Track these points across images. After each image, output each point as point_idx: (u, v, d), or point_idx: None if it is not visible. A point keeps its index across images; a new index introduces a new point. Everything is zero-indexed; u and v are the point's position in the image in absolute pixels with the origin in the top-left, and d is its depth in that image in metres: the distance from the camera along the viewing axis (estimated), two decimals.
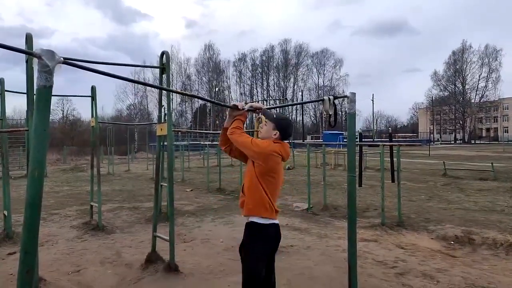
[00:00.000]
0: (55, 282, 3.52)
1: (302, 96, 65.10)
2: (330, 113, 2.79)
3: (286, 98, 62.69)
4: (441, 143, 59.82)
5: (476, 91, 66.58)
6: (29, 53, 1.58)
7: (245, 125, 2.60)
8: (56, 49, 1.58)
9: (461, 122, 67.62)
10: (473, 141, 62.67)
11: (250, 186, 2.35)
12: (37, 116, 1.55)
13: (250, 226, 2.36)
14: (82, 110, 58.51)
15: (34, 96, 3.65)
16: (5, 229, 5.07)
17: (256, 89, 70.30)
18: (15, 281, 3.59)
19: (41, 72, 1.52)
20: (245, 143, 2.34)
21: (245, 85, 70.24)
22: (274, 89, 70.48)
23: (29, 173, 1.57)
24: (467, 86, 66.87)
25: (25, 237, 1.53)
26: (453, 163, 17.05)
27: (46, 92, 1.53)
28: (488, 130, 76.13)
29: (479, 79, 65.70)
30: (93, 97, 5.84)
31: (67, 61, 1.68)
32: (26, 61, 3.60)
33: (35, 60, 1.58)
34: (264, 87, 70.42)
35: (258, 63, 70.08)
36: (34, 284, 1.63)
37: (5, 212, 5.08)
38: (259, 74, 70.55)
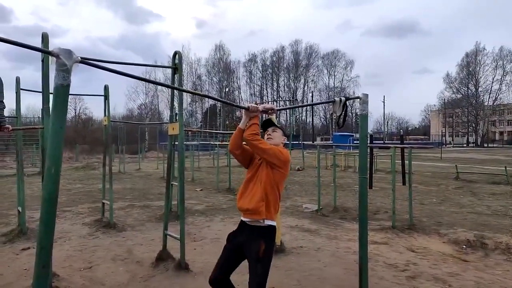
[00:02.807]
0: (68, 278, 3.57)
1: (312, 97, 64.95)
2: (338, 114, 2.81)
3: (297, 99, 62.53)
4: (453, 146, 59.04)
5: (490, 93, 65.49)
6: (47, 52, 1.61)
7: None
8: (70, 48, 1.61)
9: (473, 125, 66.58)
10: (486, 145, 61.69)
11: (270, 192, 2.46)
12: (54, 114, 1.58)
13: (267, 230, 2.44)
14: (94, 109, 59.30)
15: (50, 94, 3.70)
16: (19, 225, 5.16)
17: (266, 89, 70.33)
18: (29, 276, 3.66)
19: (59, 71, 1.55)
20: (269, 151, 2.44)
21: (255, 86, 70.31)
22: (284, 90, 70.40)
23: (45, 169, 1.59)
24: (480, 89, 65.83)
25: (41, 232, 1.55)
26: (466, 166, 16.82)
27: (63, 90, 1.56)
28: (501, 133, 74.89)
29: (492, 82, 64.62)
30: (106, 96, 5.91)
31: (84, 61, 1.71)
32: (42, 60, 3.67)
33: (53, 59, 1.61)
34: (274, 88, 70.40)
35: (268, 63, 70.08)
36: (49, 279, 1.66)
37: (19, 208, 5.17)
38: (269, 75, 70.53)
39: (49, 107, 3.67)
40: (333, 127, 60.86)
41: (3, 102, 4.64)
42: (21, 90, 5.40)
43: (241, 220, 2.55)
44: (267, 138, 2.64)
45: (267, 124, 2.69)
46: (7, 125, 4.67)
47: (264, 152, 2.44)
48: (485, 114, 65.36)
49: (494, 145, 61.73)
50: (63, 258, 4.18)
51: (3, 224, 5.85)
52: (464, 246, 4.70)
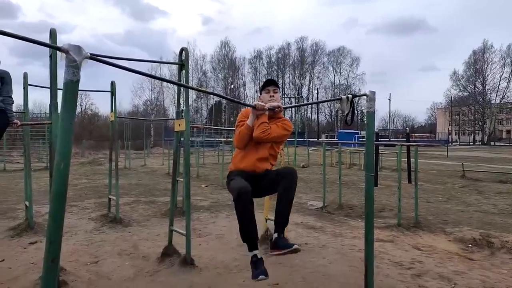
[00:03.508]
0: (75, 272, 3.61)
1: (317, 94, 64.75)
2: (346, 112, 2.81)
3: (302, 96, 62.39)
4: (459, 144, 58.65)
5: (497, 92, 64.79)
6: (57, 48, 1.62)
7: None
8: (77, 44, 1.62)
9: (480, 123, 66.04)
10: (492, 143, 61.18)
11: (276, 153, 2.96)
12: (63, 109, 1.60)
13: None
14: (100, 105, 59.52)
15: (58, 90, 3.72)
16: (27, 219, 5.22)
17: None
18: (36, 269, 3.71)
19: (69, 66, 1.56)
20: (283, 133, 2.85)
21: (260, 83, 69.98)
22: (290, 87, 70.20)
23: (55, 165, 1.61)
24: (487, 87, 65.19)
25: (50, 226, 1.57)
26: (472, 164, 16.71)
27: (73, 86, 1.57)
28: (508, 132, 74.21)
29: (500, 80, 63.96)
30: (112, 92, 5.94)
31: (93, 57, 1.72)
32: (50, 56, 3.69)
33: (62, 55, 1.62)
34: (280, 85, 70.13)
35: (273, 60, 69.87)
36: (58, 273, 1.68)
37: (27, 203, 5.22)
38: (275, 72, 70.28)
39: (57, 102, 3.70)
40: (339, 124, 60.73)
41: (12, 97, 4.68)
42: (28, 86, 5.43)
43: (249, 172, 2.79)
44: (270, 98, 2.87)
45: (269, 83, 2.96)
46: (15, 120, 4.72)
47: (276, 139, 2.81)
48: (492, 112, 64.76)
49: (501, 144, 61.16)
50: (70, 252, 4.22)
51: (10, 218, 5.92)
52: (470, 245, 4.68)
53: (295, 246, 2.50)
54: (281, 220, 2.64)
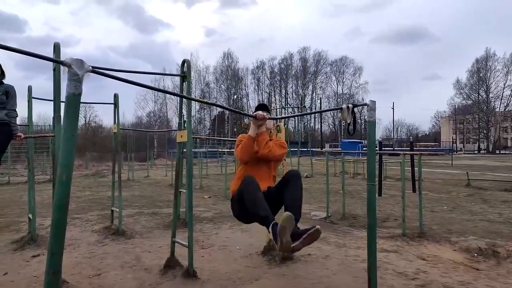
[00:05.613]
0: (77, 285, 3.60)
1: (320, 104, 64.93)
2: (348, 122, 2.83)
3: (305, 106, 62.51)
4: (464, 153, 58.35)
5: (501, 99, 64.90)
6: (59, 62, 1.65)
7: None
8: (81, 57, 1.65)
9: (485, 132, 65.80)
10: (497, 151, 60.84)
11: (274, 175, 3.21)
12: (66, 122, 1.62)
13: None
14: (104, 117, 59.95)
15: (61, 103, 3.76)
16: (30, 232, 5.22)
17: (274, 96, 70.38)
18: (39, 283, 3.70)
19: (71, 80, 1.59)
20: (282, 151, 3.12)
21: (263, 93, 70.46)
22: (293, 96, 70.58)
23: (57, 176, 1.62)
24: (491, 95, 65.20)
25: (52, 238, 1.58)
26: (477, 173, 16.60)
27: (75, 99, 1.60)
28: None
29: (504, 88, 64.02)
30: (115, 104, 5.98)
31: (95, 70, 1.74)
32: (54, 70, 3.74)
33: (64, 69, 1.65)
34: (283, 95, 70.55)
35: (276, 70, 70.40)
36: (59, 285, 1.68)
37: (30, 216, 5.23)
38: (278, 82, 70.78)
39: (60, 115, 3.74)
40: (342, 133, 60.70)
41: (16, 111, 4.73)
42: (32, 99, 5.49)
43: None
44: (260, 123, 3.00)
45: (260, 108, 3.12)
46: (19, 133, 4.76)
47: (279, 157, 3.07)
48: (496, 121, 64.57)
49: (506, 152, 60.79)
50: (72, 265, 4.21)
51: (14, 231, 5.93)
52: (476, 254, 4.62)
53: (317, 227, 2.52)
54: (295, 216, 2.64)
